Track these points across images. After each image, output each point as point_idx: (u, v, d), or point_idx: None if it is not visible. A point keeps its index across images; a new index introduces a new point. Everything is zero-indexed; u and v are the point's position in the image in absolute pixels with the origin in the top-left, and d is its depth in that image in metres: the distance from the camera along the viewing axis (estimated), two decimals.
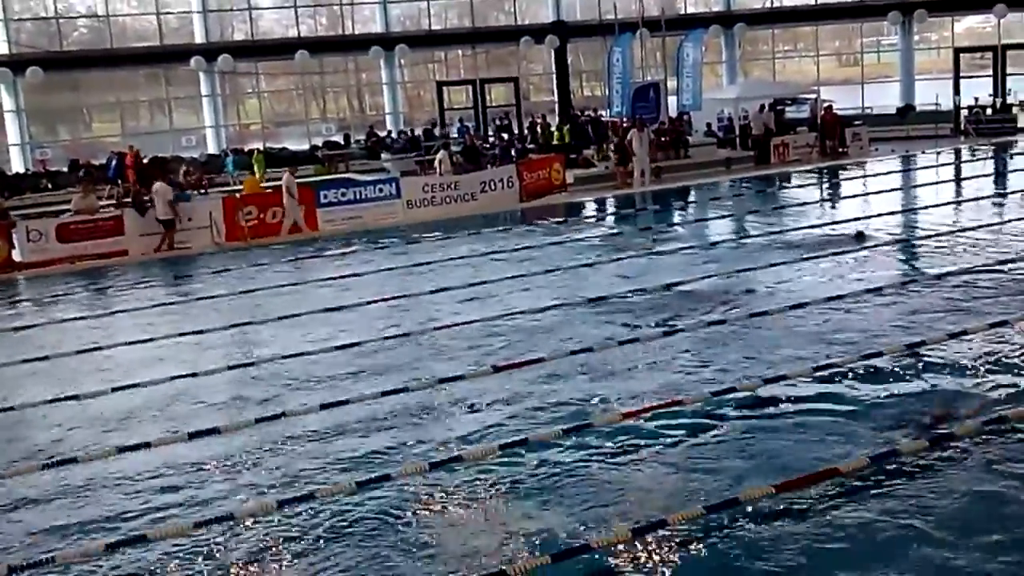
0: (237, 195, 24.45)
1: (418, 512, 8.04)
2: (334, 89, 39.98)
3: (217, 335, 14.29)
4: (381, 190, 25.00)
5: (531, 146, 30.58)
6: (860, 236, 17.89)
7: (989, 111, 34.27)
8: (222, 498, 8.52)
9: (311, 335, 13.71)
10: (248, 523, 7.99)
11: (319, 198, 24.11)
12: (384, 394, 10.83)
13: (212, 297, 17.20)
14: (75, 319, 16.29)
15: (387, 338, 13.31)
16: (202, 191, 29.12)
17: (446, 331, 13.47)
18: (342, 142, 33.40)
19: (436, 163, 26.45)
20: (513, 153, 28.54)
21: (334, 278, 17.92)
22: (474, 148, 28.48)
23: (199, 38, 36.19)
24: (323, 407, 10.56)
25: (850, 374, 10.55)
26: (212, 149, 35.31)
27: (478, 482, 8.50)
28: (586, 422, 9.62)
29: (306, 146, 34.21)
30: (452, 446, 9.30)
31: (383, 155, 31.48)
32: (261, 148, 33.25)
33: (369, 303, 15.51)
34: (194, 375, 12.14)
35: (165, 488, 8.85)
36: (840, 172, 28.73)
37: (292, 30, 37.08)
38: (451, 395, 10.81)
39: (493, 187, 25.58)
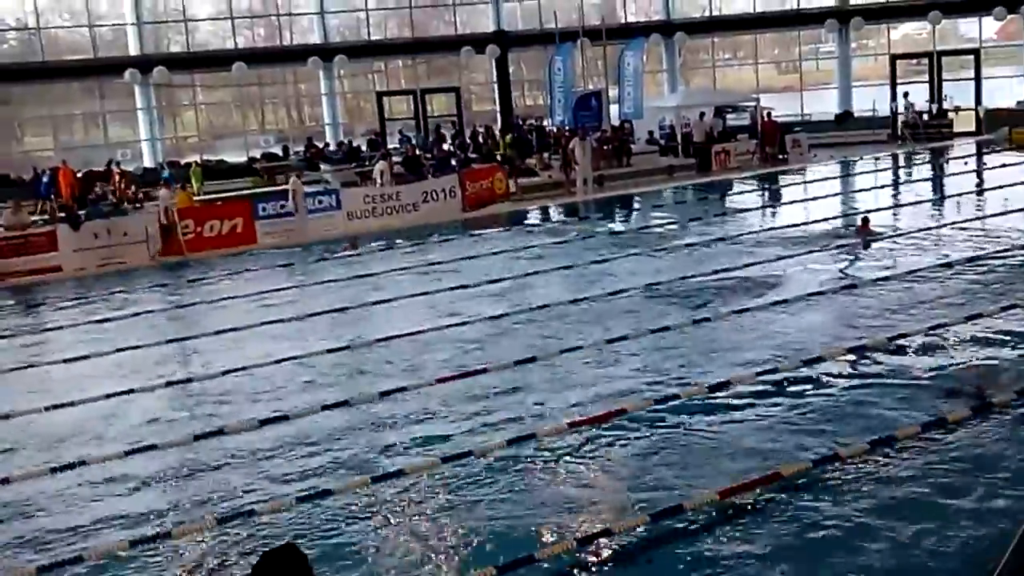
0: (173, 209, 23.92)
1: (360, 527, 7.86)
2: (272, 100, 39.49)
3: (155, 351, 14.01)
4: (321, 202, 24.67)
5: (474, 156, 30.38)
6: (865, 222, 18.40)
7: (925, 117, 34.76)
8: (159, 516, 8.31)
9: (251, 349, 13.49)
10: (185, 541, 7.80)
11: (257, 210, 23.71)
12: (325, 408, 10.67)
13: (149, 312, 16.88)
14: (6, 336, 15.89)
15: (329, 351, 13.12)
16: (138, 205, 28.54)
17: (388, 343, 13.32)
18: (281, 154, 32.95)
19: (376, 174, 26.14)
20: (454, 163, 28.29)
21: (273, 291, 17.66)
22: (415, 158, 28.22)
23: (133, 50, 35.54)
24: (263, 423, 10.38)
25: (792, 380, 10.57)
26: (148, 163, 34.66)
27: (421, 496, 8.36)
28: (530, 433, 9.50)
29: (244, 158, 33.71)
30: (395, 460, 9.13)
31: (322, 166, 31.09)
32: (198, 161, 32.73)
33: (310, 316, 15.31)
34: (131, 392, 11.87)
35: (101, 507, 8.61)
36: (780, 178, 28.94)
37: (229, 41, 36.57)
38: (394, 408, 10.65)
39: (435, 197, 25.36)
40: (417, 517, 8.00)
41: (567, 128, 30.54)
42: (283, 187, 27.30)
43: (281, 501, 8.36)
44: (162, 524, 8.12)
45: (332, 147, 33.74)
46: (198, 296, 18.13)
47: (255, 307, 16.41)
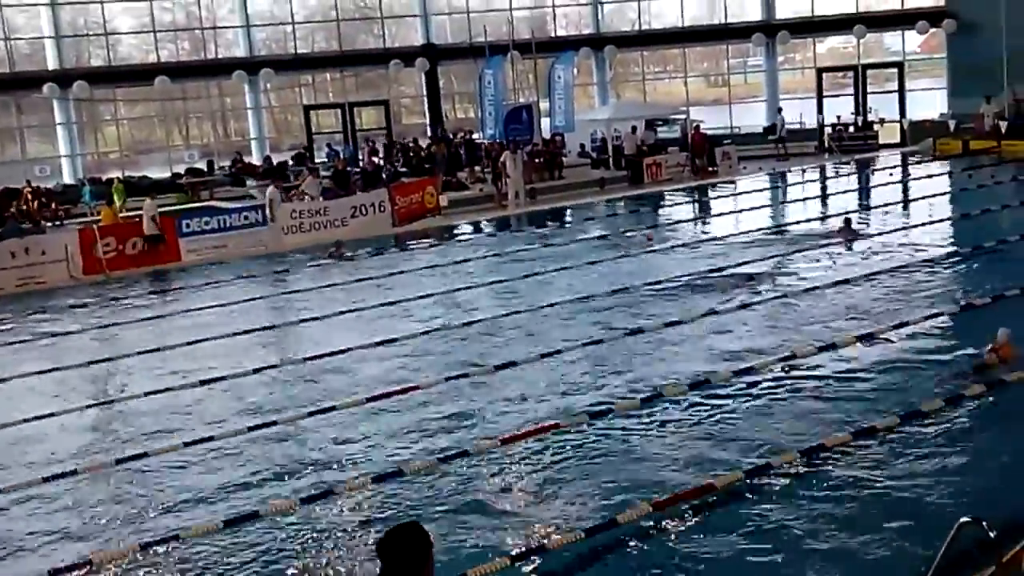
0: (95, 226, 23.24)
1: (290, 550, 7.70)
2: (197, 115, 38.74)
3: (75, 372, 13.64)
4: (247, 217, 24.12)
5: (403, 169, 30.01)
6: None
7: (851, 129, 35.21)
8: (81, 541, 8.15)
9: (175, 370, 13.19)
10: (110, 567, 7.64)
11: (181, 227, 23.12)
12: (252, 429, 10.46)
13: (68, 333, 16.39)
14: None
15: (256, 370, 12.87)
16: (57, 222, 27.70)
17: (317, 361, 13.09)
18: (206, 169, 32.25)
19: (303, 188, 25.60)
20: (384, 176, 27.90)
21: (198, 309, 17.29)
22: (344, 173, 27.75)
23: (52, 64, 34.63)
24: (187, 444, 10.15)
25: (725, 391, 10.59)
26: (68, 179, 33.72)
27: (352, 516, 8.23)
28: (462, 449, 9.40)
29: (168, 173, 32.92)
30: (324, 480, 8.97)
31: (249, 181, 30.47)
32: (120, 177, 31.88)
33: (236, 335, 15.02)
34: (52, 415, 11.57)
35: (20, 532, 8.42)
36: (710, 190, 29.05)
37: (152, 55, 35.80)
38: (323, 427, 10.49)
39: (364, 212, 24.96)
40: (347, 538, 7.85)
41: (498, 141, 30.34)
42: (207, 203, 26.74)
43: (208, 524, 8.17)
44: (82, 550, 7.93)
45: (257, 161, 33.10)
46: (120, 316, 17.61)
47: (179, 326, 16.04)
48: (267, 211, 23.84)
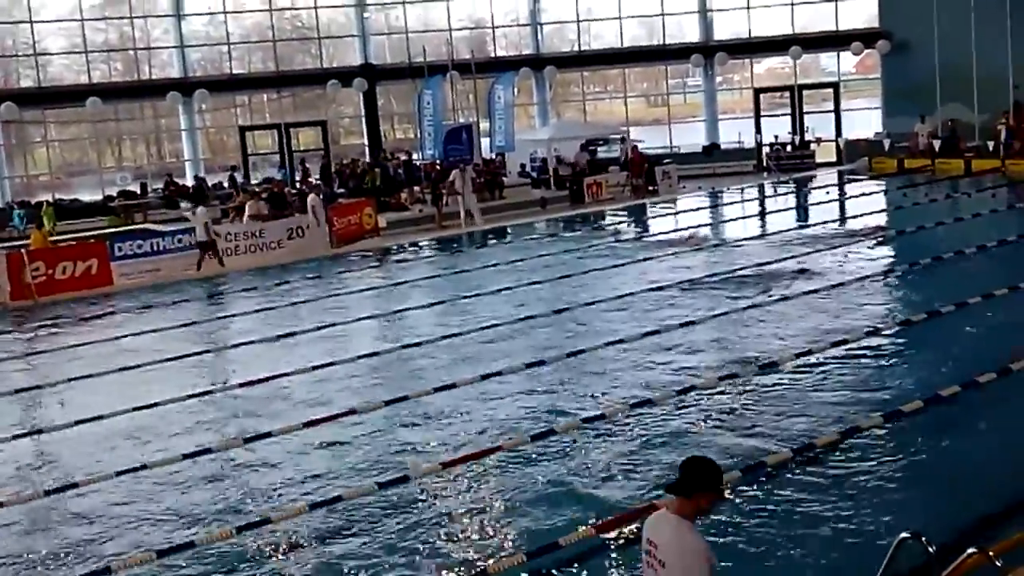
0: (23, 251, 22.58)
1: None
2: (130, 136, 38.04)
3: (2, 401, 13.30)
4: (180, 240, 23.66)
5: (341, 190, 29.64)
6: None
7: (789, 148, 35.54)
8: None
9: (107, 397, 12.83)
10: None
11: (113, 251, 22.58)
12: (187, 456, 10.26)
13: None
14: None
15: (189, 396, 12.59)
16: None
17: (253, 387, 12.84)
18: (138, 191, 31.62)
19: (247, 211, 25.06)
20: (321, 198, 27.51)
21: (131, 335, 16.83)
22: (281, 194, 27.34)
23: None
24: (119, 473, 9.89)
25: (665, 410, 10.57)
26: None
27: (289, 544, 8.10)
28: (402, 475, 9.28)
29: (100, 196, 32.23)
30: (260, 508, 8.84)
31: (182, 204, 29.92)
32: (51, 200, 31.18)
33: (168, 360, 14.66)
34: None
35: None
36: (649, 209, 29.09)
37: (84, 76, 35.10)
38: (259, 454, 10.34)
39: (301, 234, 24.56)
40: (284, 567, 7.75)
41: (438, 162, 30.13)
42: (141, 225, 26.19)
43: (142, 555, 7.99)
44: None
45: (191, 184, 32.54)
46: (50, 342, 17.18)
47: (109, 353, 15.60)
48: (311, 215, 24.37)
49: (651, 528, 4.77)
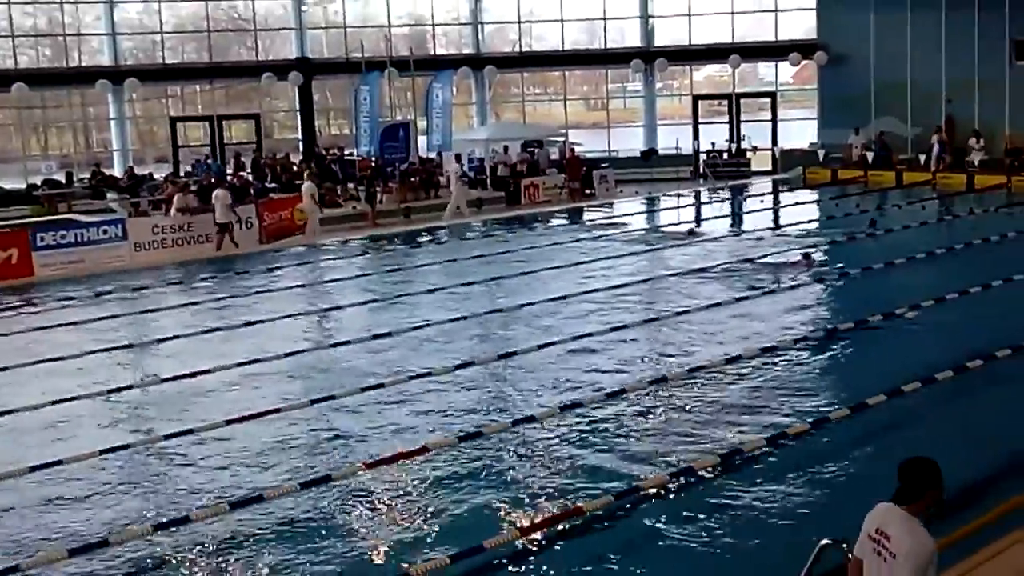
0: None
1: None
2: (57, 124, 37.01)
3: None
4: (105, 232, 23.00)
5: (272, 185, 29.06)
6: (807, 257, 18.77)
7: (725, 155, 35.68)
8: None
9: (22, 391, 12.47)
10: None
11: (35, 240, 21.89)
12: (104, 453, 10.04)
13: None
14: None
15: (109, 391, 12.32)
16: None
17: (175, 383, 12.60)
18: (64, 180, 30.73)
19: (176, 204, 24.42)
20: (252, 192, 26.94)
21: (50, 327, 16.35)
22: (210, 188, 26.71)
23: None
24: (33, 469, 9.57)
25: (595, 415, 10.50)
26: None
27: (206, 545, 7.97)
28: (325, 475, 9.20)
29: (23, 185, 31.24)
30: (181, 506, 8.71)
31: (109, 194, 29.12)
32: None
33: (88, 354, 14.29)
34: None
35: None
36: (585, 212, 28.97)
37: (10, 60, 34.06)
38: (180, 450, 10.18)
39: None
40: (201, 568, 7.63)
41: (373, 159, 29.72)
42: (65, 215, 25.42)
43: (53, 552, 7.83)
44: None
45: (120, 173, 31.70)
46: None
47: (29, 344, 15.14)
48: (306, 202, 24.96)
49: (881, 519, 4.91)
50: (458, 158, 29.00)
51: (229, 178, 28.89)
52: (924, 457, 4.92)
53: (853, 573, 5.08)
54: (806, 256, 18.80)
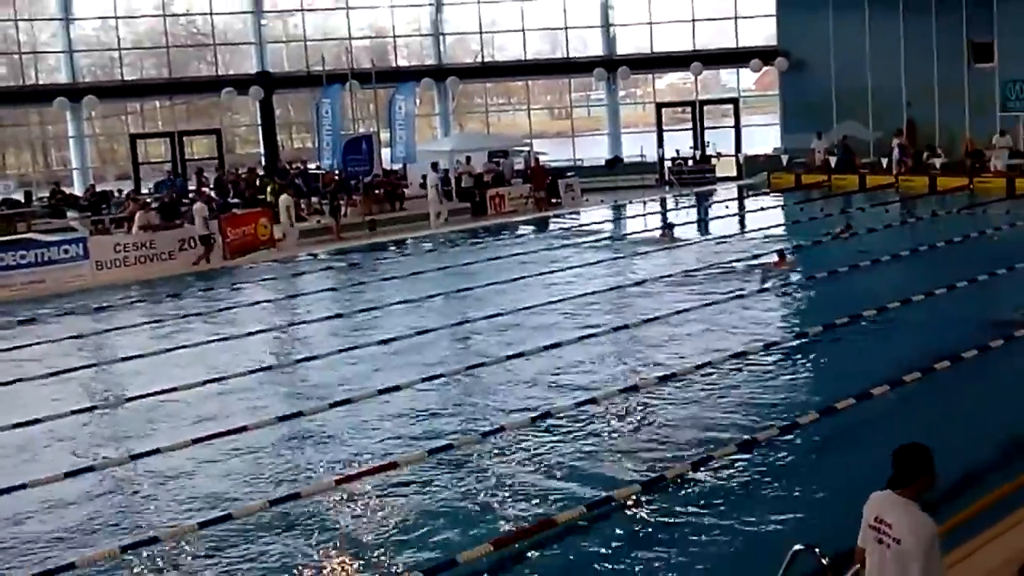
0: None
1: None
2: (14, 143, 36.47)
3: None
4: (67, 251, 22.73)
5: (236, 200, 28.76)
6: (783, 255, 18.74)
7: (690, 162, 35.75)
8: None
9: None
10: None
11: None
12: (69, 475, 9.93)
13: None
14: None
15: (73, 412, 12.16)
16: None
17: (139, 402, 12.48)
18: (22, 200, 30.28)
19: (137, 222, 24.11)
20: (214, 208, 26.65)
21: (11, 348, 16.17)
22: (173, 204, 26.43)
23: None
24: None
25: (567, 424, 10.45)
26: None
27: (178, 564, 7.93)
28: (295, 492, 9.10)
29: None
30: (148, 526, 8.63)
31: (69, 213, 28.73)
32: None
33: (52, 375, 14.11)
34: None
35: None
36: (551, 222, 28.92)
37: None
38: (147, 471, 10.09)
39: (193, 245, 23.76)
40: None
41: (336, 172, 29.50)
42: (23, 235, 25.01)
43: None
44: None
45: (80, 191, 31.27)
46: None
47: None
48: (284, 216, 25.38)
49: (879, 507, 5.01)
50: (435, 167, 28.67)
51: (191, 195, 28.55)
52: (916, 443, 5.00)
53: (858, 562, 5.15)
54: (780, 255, 18.78)
